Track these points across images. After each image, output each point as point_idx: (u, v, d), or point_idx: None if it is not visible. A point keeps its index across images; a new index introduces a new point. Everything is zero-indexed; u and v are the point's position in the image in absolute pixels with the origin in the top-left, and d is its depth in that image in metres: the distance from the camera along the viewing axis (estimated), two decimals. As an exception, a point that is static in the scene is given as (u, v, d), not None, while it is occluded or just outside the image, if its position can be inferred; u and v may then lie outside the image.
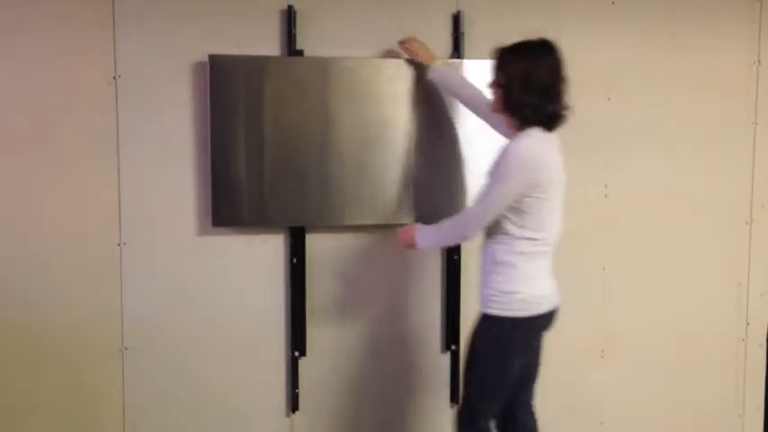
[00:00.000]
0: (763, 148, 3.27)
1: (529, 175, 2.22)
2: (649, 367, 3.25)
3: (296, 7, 2.78)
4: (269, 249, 2.85)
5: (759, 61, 3.23)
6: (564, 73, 2.29)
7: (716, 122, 3.23)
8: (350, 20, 2.86)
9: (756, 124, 3.25)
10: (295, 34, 2.78)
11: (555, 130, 2.31)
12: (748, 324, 3.33)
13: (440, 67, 2.74)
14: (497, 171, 2.25)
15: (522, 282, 2.29)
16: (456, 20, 2.91)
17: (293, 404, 2.92)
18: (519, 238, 2.28)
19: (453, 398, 3.04)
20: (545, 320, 2.39)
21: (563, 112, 2.30)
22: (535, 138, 2.26)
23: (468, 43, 2.92)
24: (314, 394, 2.95)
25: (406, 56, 2.80)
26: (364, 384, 3.00)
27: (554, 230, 2.34)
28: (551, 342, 3.13)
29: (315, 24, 2.82)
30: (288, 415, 2.95)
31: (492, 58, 2.33)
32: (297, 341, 2.87)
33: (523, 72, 2.25)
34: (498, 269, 2.31)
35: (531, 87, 2.24)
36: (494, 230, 2.33)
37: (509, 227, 2.29)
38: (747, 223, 3.29)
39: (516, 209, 2.26)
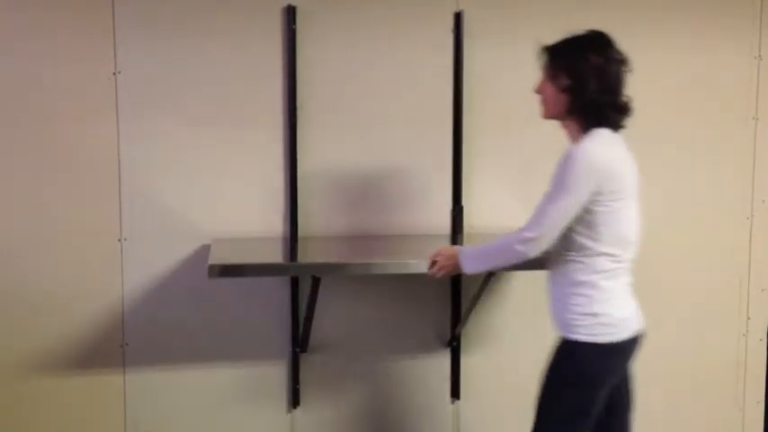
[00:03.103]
0: (764, 143, 3.27)
1: (599, 183, 1.99)
2: (649, 362, 3.24)
3: (296, 6, 2.78)
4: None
5: (760, 56, 3.22)
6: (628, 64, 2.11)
7: (716, 118, 3.22)
8: (350, 18, 2.85)
9: (757, 119, 3.25)
10: (295, 31, 2.78)
11: (621, 128, 2.13)
12: (749, 319, 3.34)
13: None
14: (562, 180, 1.99)
15: (604, 303, 2.07)
16: (457, 19, 2.91)
17: (294, 400, 2.93)
18: (597, 255, 2.05)
19: (453, 394, 3.05)
20: (631, 346, 2.14)
21: (630, 107, 2.11)
22: (605, 140, 2.05)
23: (468, 43, 2.92)
24: (315, 390, 2.96)
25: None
26: (365, 380, 3.00)
27: (633, 242, 2.12)
28: (552, 338, 3.14)
29: (315, 22, 2.81)
30: (289, 411, 2.95)
31: (545, 57, 2.12)
32: (298, 337, 2.88)
33: (597, 67, 2.04)
34: (578, 290, 2.07)
35: (608, 83, 2.05)
36: (567, 247, 2.08)
37: (584, 242, 2.05)
38: (748, 218, 3.29)
39: (589, 222, 2.02)
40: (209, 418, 2.90)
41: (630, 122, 3.10)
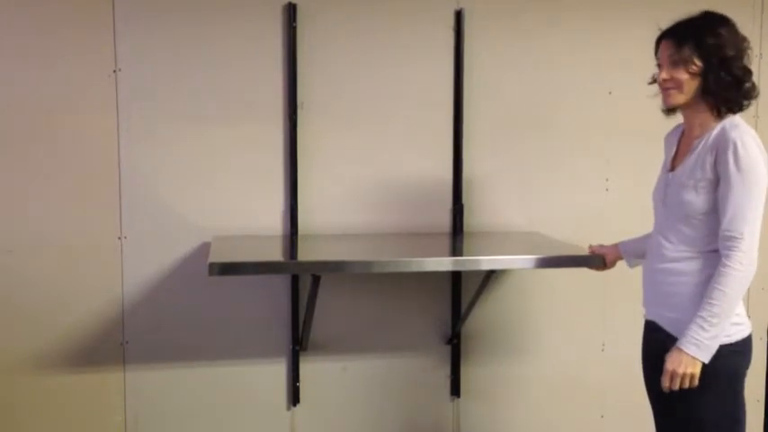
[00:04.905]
0: (764, 142, 3.25)
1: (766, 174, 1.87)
2: (649, 361, 3.25)
3: (296, 4, 2.78)
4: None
5: (761, 55, 3.22)
6: None
7: (717, 116, 3.21)
8: (350, 16, 2.85)
9: (758, 118, 3.24)
10: (295, 29, 2.78)
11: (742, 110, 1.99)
12: (749, 317, 3.32)
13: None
14: (747, 173, 1.86)
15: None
16: (458, 16, 2.91)
17: (294, 398, 2.93)
18: None
19: (454, 391, 3.05)
20: (751, 341, 1.99)
21: (757, 90, 1.97)
22: (749, 127, 1.93)
23: (469, 41, 2.92)
24: (315, 388, 2.96)
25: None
26: (365, 378, 3.00)
27: None
28: (552, 335, 3.15)
29: (315, 21, 2.81)
30: (289, 408, 2.96)
31: (669, 44, 2.00)
32: (298, 335, 2.88)
33: (732, 44, 1.92)
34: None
35: (742, 61, 1.93)
36: (711, 240, 1.93)
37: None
38: (748, 217, 3.28)
39: None
40: (209, 416, 2.90)
41: (630, 121, 3.12)
